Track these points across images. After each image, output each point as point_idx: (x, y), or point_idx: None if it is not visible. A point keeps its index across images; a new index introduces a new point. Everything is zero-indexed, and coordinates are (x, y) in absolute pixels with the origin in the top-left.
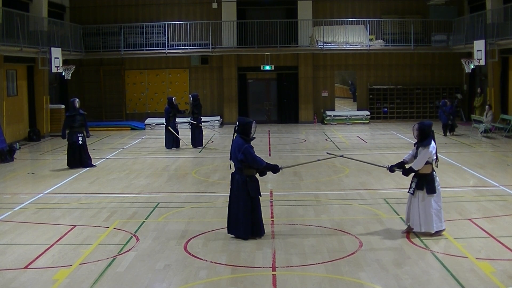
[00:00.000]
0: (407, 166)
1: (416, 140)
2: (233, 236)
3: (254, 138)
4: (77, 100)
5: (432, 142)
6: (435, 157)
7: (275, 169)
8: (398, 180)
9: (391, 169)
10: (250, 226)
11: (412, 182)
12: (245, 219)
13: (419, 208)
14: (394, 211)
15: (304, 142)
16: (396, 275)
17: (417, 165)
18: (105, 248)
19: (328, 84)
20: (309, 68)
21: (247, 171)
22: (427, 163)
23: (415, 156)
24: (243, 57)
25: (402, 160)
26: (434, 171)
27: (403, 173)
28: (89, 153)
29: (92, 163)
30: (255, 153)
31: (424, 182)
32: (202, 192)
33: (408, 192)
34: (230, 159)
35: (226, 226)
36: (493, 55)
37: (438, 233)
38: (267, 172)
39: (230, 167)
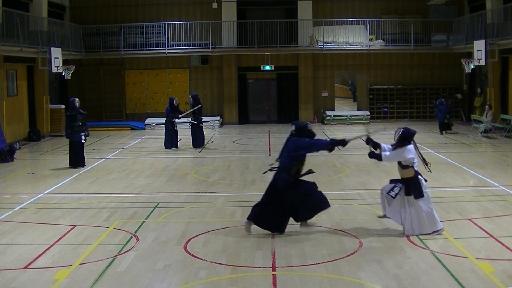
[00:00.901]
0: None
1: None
2: (256, 226)
3: (315, 135)
4: (77, 99)
5: (411, 146)
6: (416, 161)
7: (343, 142)
8: None
9: (368, 140)
10: (276, 222)
11: (395, 186)
12: (275, 214)
13: (411, 214)
14: None
15: None
16: (396, 275)
17: (386, 157)
18: (105, 248)
19: (328, 84)
20: (309, 68)
21: (294, 170)
22: (408, 167)
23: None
24: (243, 57)
25: (379, 144)
26: (420, 174)
27: (369, 153)
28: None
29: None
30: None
31: (411, 187)
32: (202, 192)
33: (388, 194)
34: (278, 160)
35: (250, 214)
36: (493, 55)
37: (436, 232)
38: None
39: (272, 170)
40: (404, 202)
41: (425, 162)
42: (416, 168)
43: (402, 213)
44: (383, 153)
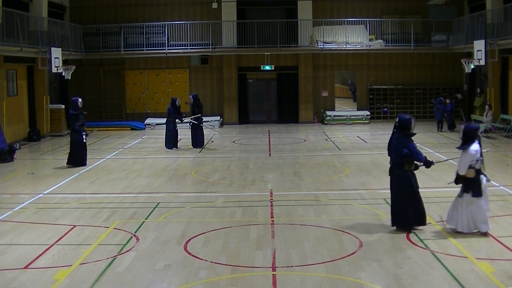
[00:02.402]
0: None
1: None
2: (396, 228)
3: (415, 133)
4: (79, 99)
5: (474, 145)
6: (481, 158)
7: (430, 163)
8: None
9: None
10: (415, 217)
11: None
12: (411, 210)
13: (466, 211)
14: None
15: (304, 142)
16: (396, 275)
17: (460, 169)
18: (105, 248)
19: (328, 84)
20: (309, 68)
21: (408, 166)
22: (470, 167)
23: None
24: (243, 57)
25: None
26: (483, 173)
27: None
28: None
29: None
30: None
31: (469, 185)
32: (202, 192)
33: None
34: (389, 155)
35: (390, 219)
36: (493, 55)
37: (486, 233)
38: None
39: (391, 163)
40: (462, 199)
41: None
42: (477, 167)
43: (454, 209)
44: (457, 170)
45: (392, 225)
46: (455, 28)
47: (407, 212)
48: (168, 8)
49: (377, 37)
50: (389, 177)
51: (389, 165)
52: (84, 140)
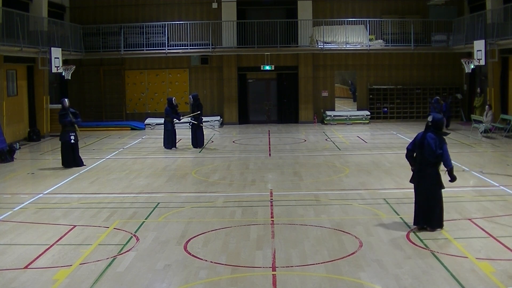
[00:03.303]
0: None
1: None
2: (420, 227)
3: (449, 133)
4: (66, 99)
5: None
6: None
7: (453, 177)
8: (398, 180)
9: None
10: (441, 217)
11: None
12: (439, 210)
13: None
14: (394, 211)
15: (304, 142)
16: (396, 275)
17: None
18: (105, 248)
19: (328, 84)
20: (309, 68)
21: (439, 167)
22: None
23: None
24: (243, 57)
25: None
26: None
27: None
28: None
29: (83, 162)
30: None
31: None
32: (202, 192)
33: None
34: (414, 155)
35: (414, 219)
36: (493, 55)
37: None
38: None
39: (420, 163)
40: None
41: None
42: None
43: None
44: None
45: (415, 224)
46: (455, 28)
47: (437, 211)
48: (168, 8)
49: (377, 37)
50: (418, 176)
51: (389, 165)
52: (72, 141)
